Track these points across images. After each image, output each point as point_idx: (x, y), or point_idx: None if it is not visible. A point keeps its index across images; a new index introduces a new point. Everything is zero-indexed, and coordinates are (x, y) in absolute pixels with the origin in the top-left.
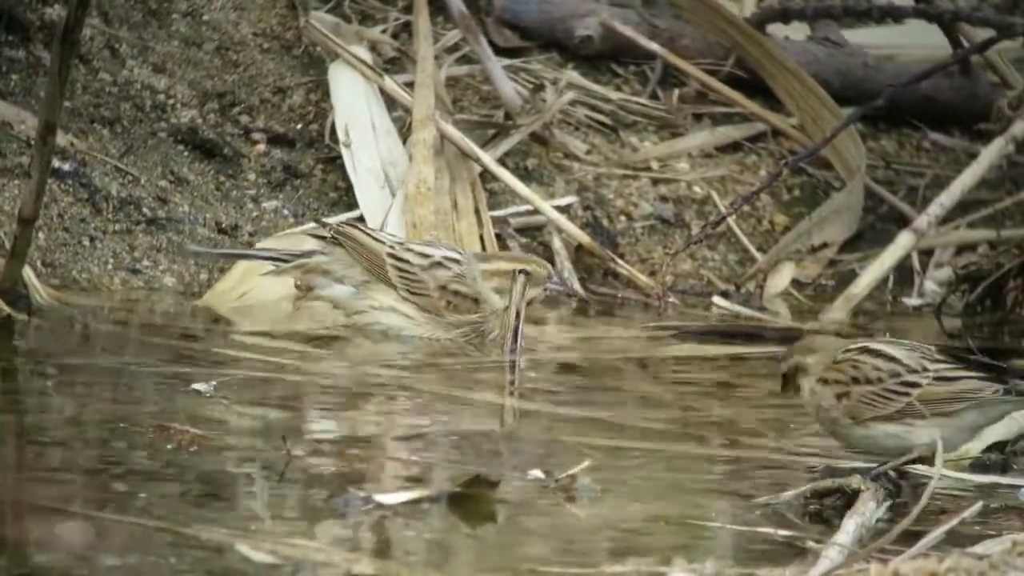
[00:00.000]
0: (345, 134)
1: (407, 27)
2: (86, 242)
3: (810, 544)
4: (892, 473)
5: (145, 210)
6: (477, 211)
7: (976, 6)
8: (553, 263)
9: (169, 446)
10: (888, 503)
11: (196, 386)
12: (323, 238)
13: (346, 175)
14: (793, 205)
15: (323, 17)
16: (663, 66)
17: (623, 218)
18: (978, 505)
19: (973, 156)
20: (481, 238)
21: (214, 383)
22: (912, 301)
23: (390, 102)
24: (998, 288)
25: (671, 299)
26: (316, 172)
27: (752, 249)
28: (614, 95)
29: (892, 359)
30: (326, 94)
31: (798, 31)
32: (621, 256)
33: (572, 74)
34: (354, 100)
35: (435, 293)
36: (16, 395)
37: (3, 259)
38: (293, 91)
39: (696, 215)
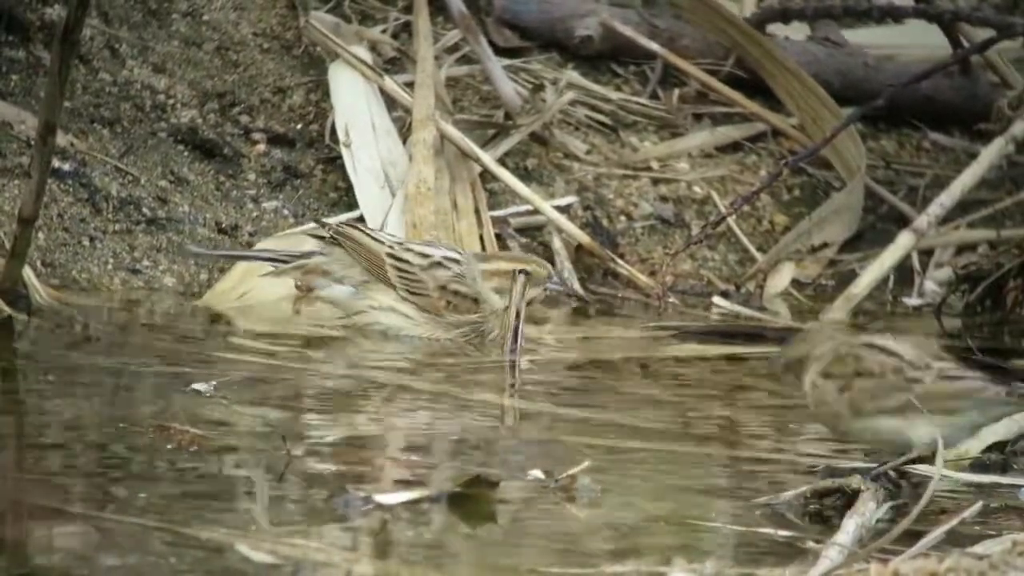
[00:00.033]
0: (345, 134)
1: (407, 27)
2: (86, 242)
3: (810, 544)
4: (892, 473)
5: (145, 210)
6: (477, 211)
7: (976, 6)
8: (553, 263)
9: (169, 446)
10: (888, 504)
11: (196, 386)
12: (322, 238)
13: (346, 175)
14: (793, 205)
15: (323, 17)
16: (663, 66)
17: (623, 218)
18: (978, 505)
19: (973, 156)
20: (481, 238)
21: (214, 383)
22: (912, 301)
23: (390, 102)
24: (998, 288)
25: (671, 299)
26: (316, 172)
27: (752, 249)
28: (614, 95)
29: (895, 354)
30: (326, 94)
31: (798, 31)
32: (621, 256)
33: (572, 74)
34: (354, 100)
35: (435, 293)
36: (16, 395)
37: (3, 259)
38: (293, 91)
39: (696, 215)
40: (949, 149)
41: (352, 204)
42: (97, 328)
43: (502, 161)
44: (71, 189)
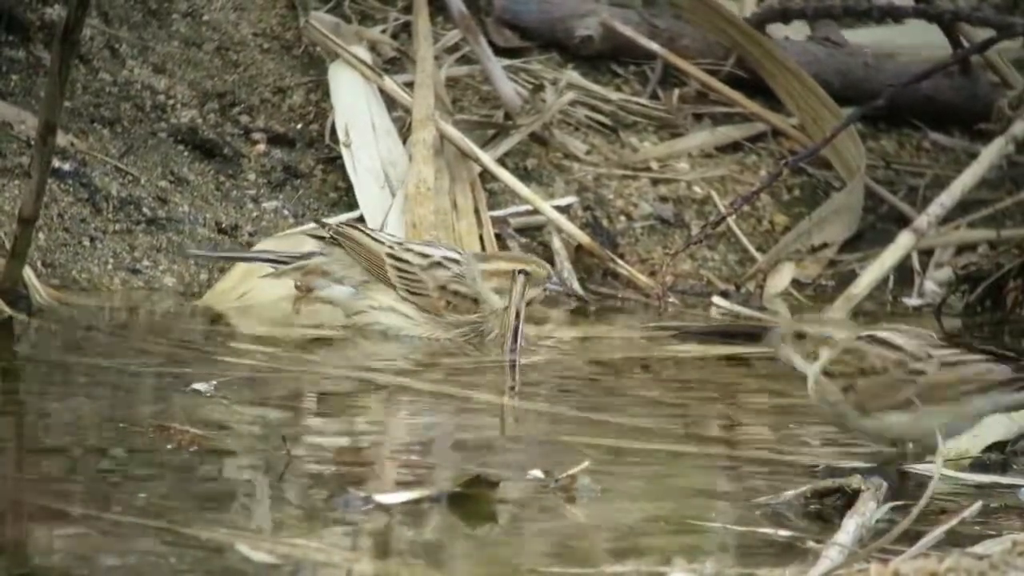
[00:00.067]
0: (345, 134)
1: (407, 27)
2: (86, 242)
3: (810, 544)
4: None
5: (145, 210)
6: (477, 211)
7: (976, 6)
8: (553, 263)
9: (169, 446)
10: (889, 505)
11: (196, 386)
12: (322, 239)
13: (346, 175)
14: (793, 205)
15: (323, 17)
16: (663, 66)
17: (623, 218)
18: (978, 505)
19: (973, 156)
20: (481, 238)
21: (214, 383)
22: (912, 301)
23: (390, 102)
24: (998, 288)
25: (671, 299)
26: (316, 172)
27: (752, 249)
28: (614, 95)
29: (896, 348)
30: (326, 94)
31: (798, 31)
32: (621, 256)
33: (572, 74)
34: (354, 100)
35: (434, 293)
36: (16, 395)
37: (3, 259)
38: (293, 91)
39: (696, 215)
40: (949, 149)
41: (352, 204)
42: (97, 328)
43: (502, 161)
44: (71, 189)
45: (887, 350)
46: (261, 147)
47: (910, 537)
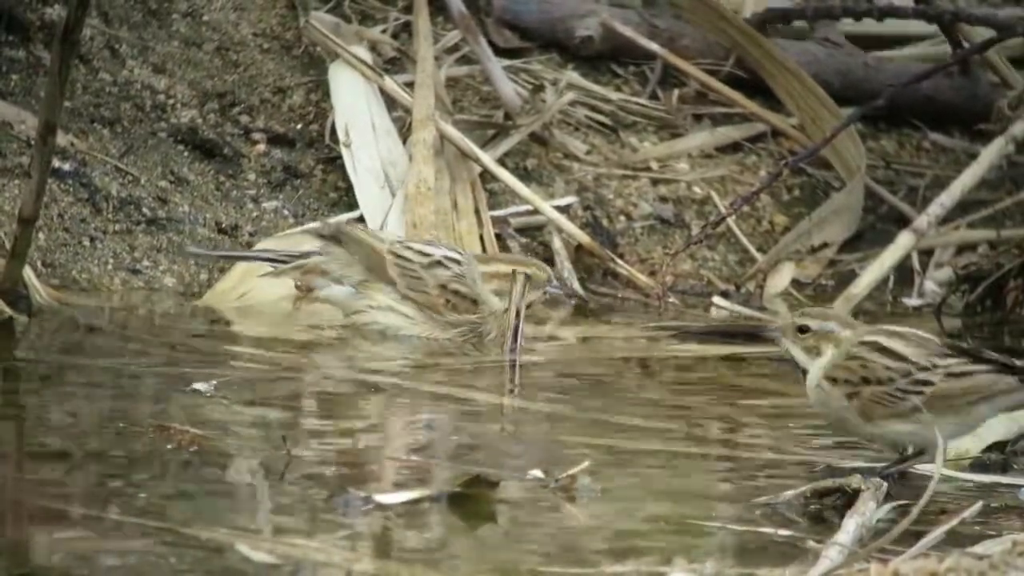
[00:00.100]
0: (345, 134)
1: (407, 27)
2: (86, 242)
3: (810, 544)
4: (894, 472)
5: (145, 210)
6: (477, 211)
7: (976, 6)
8: (553, 263)
9: (169, 446)
10: (889, 505)
11: (196, 386)
12: (322, 238)
13: (346, 175)
14: (793, 205)
15: (323, 17)
16: (663, 66)
17: (623, 218)
18: (978, 505)
19: (973, 156)
20: (481, 238)
21: (214, 383)
22: (912, 301)
23: (390, 102)
24: (998, 288)
25: (671, 299)
26: (316, 172)
27: (752, 249)
28: (614, 95)
29: (902, 358)
30: (326, 94)
31: (798, 32)
32: (621, 256)
33: (572, 74)
34: (354, 100)
35: (434, 292)
36: (16, 395)
37: (3, 259)
38: (293, 91)
39: (696, 215)
40: (949, 149)
41: (352, 204)
42: (98, 328)
43: (502, 161)
44: (71, 189)
45: (892, 360)
46: (261, 147)
47: (910, 537)
